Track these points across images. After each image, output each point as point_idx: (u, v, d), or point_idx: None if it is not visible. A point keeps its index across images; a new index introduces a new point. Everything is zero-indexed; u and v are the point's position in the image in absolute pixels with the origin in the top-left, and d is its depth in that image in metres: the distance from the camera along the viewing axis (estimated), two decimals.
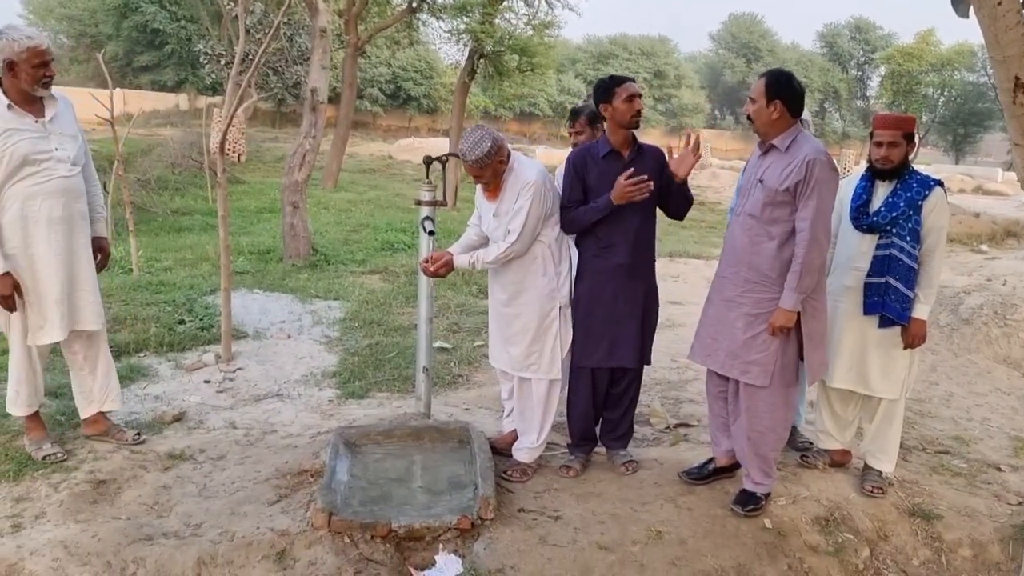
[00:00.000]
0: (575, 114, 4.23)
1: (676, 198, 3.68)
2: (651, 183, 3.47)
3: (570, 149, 4.16)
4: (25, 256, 3.49)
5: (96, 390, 3.86)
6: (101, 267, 3.94)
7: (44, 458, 3.64)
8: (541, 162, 3.71)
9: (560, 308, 3.65)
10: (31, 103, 3.48)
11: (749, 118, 3.39)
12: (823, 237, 3.25)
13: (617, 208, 3.51)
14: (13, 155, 3.38)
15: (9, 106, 3.41)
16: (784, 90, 3.27)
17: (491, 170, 3.48)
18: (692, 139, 3.57)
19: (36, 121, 3.48)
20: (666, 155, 3.68)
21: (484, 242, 3.74)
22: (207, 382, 5.02)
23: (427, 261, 3.70)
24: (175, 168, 15.52)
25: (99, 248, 3.89)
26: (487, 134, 3.43)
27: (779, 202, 3.26)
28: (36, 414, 3.76)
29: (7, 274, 3.43)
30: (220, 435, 4.16)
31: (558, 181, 3.79)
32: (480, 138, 3.41)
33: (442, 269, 3.67)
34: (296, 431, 4.25)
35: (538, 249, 3.59)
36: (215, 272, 7.36)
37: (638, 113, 3.56)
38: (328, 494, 3.26)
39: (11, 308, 3.48)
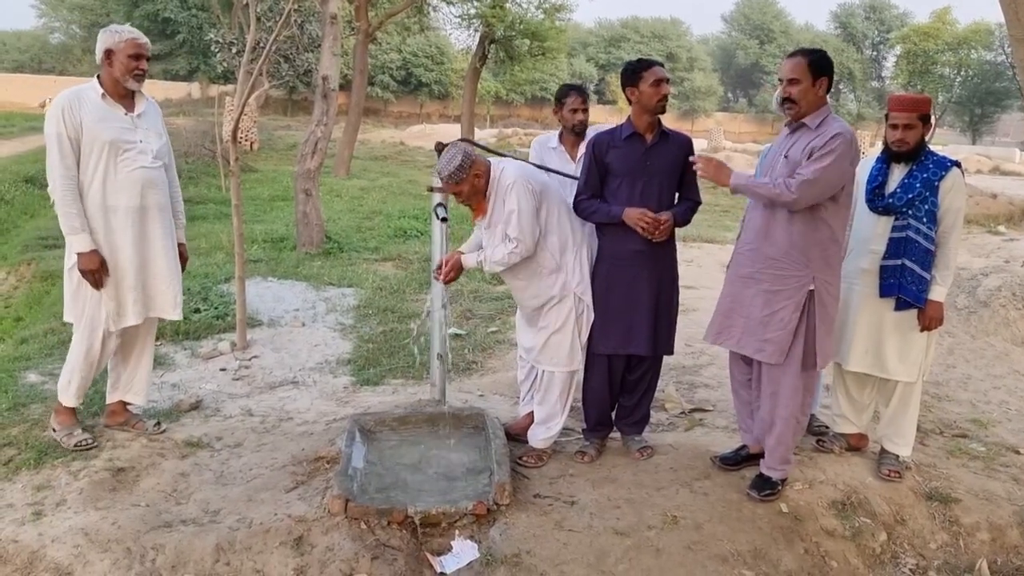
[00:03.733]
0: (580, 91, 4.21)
1: (688, 194, 3.70)
2: (664, 229, 3.51)
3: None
4: (105, 243, 3.61)
5: (123, 378, 3.91)
6: None
7: (76, 444, 3.67)
8: (517, 162, 3.67)
9: (577, 298, 3.63)
10: (123, 96, 3.65)
11: (790, 100, 3.30)
12: (808, 192, 3.16)
13: (636, 193, 3.51)
14: (100, 140, 3.53)
15: (103, 95, 3.58)
16: (828, 67, 3.29)
17: (468, 185, 3.47)
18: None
19: (126, 114, 3.66)
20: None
21: None
22: (223, 370, 5.05)
23: (439, 268, 3.70)
24: (188, 157, 15.56)
25: (178, 254, 3.96)
26: (459, 150, 3.44)
27: None
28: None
29: (94, 251, 3.55)
30: (236, 422, 4.19)
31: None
32: (453, 155, 3.43)
33: (452, 273, 3.67)
34: (312, 418, 4.27)
35: (536, 253, 3.58)
36: (229, 261, 7.39)
37: (664, 98, 3.53)
38: (344, 481, 3.28)
39: (98, 284, 3.58)
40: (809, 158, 3.21)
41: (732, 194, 3.36)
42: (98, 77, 3.63)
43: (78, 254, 3.54)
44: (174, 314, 3.87)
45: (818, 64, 3.26)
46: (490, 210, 3.56)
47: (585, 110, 4.14)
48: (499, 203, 3.51)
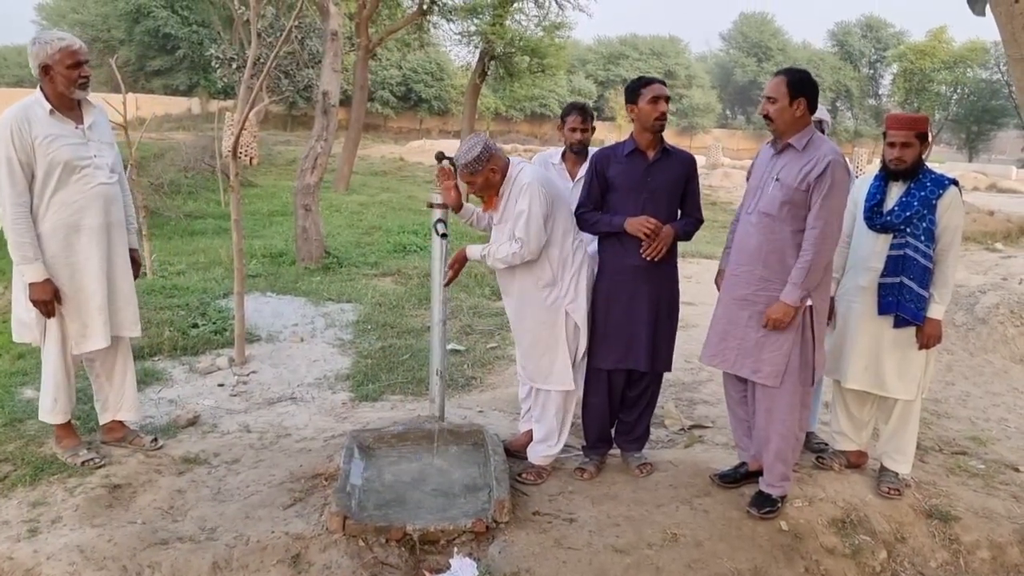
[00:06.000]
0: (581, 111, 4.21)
1: (689, 211, 3.72)
2: (663, 241, 3.52)
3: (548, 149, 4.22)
4: (66, 264, 3.51)
5: (111, 398, 3.88)
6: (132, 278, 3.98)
7: (83, 464, 3.64)
8: (536, 167, 3.71)
9: (568, 314, 3.63)
10: (71, 108, 3.51)
11: (768, 117, 3.35)
12: (833, 237, 3.27)
13: (637, 210, 3.53)
14: (55, 160, 3.40)
15: (51, 111, 3.44)
16: (807, 87, 3.29)
17: (482, 178, 3.50)
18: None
19: (76, 127, 3.51)
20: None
21: None
22: (221, 385, 5.04)
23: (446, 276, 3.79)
24: (188, 172, 15.59)
25: (132, 260, 3.90)
26: (480, 141, 3.46)
27: (798, 202, 3.26)
28: (68, 421, 3.78)
29: (47, 280, 3.45)
30: (234, 439, 4.17)
31: None
32: (473, 144, 3.45)
33: (456, 265, 3.73)
34: (310, 434, 4.25)
35: (535, 261, 3.58)
36: (228, 275, 7.39)
37: (662, 116, 3.55)
38: (343, 497, 3.27)
39: (50, 314, 3.50)
40: (804, 184, 3.23)
41: (796, 302, 3.26)
42: (41, 89, 3.44)
43: (30, 284, 3.42)
44: (135, 331, 3.81)
45: (797, 84, 3.27)
46: (503, 207, 3.59)
47: (585, 130, 4.13)
48: (512, 201, 3.54)
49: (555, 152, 4.34)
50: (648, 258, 3.54)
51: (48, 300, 3.45)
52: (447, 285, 3.82)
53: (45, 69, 3.40)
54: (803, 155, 3.28)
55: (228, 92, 29.72)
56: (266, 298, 7.13)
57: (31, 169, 3.40)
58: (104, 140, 3.64)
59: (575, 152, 4.17)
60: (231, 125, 17.86)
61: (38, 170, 3.40)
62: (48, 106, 3.43)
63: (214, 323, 6.12)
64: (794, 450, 3.50)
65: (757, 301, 3.39)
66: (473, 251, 3.69)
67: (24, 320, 3.59)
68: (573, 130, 4.12)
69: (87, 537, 3.10)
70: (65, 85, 3.41)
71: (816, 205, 3.21)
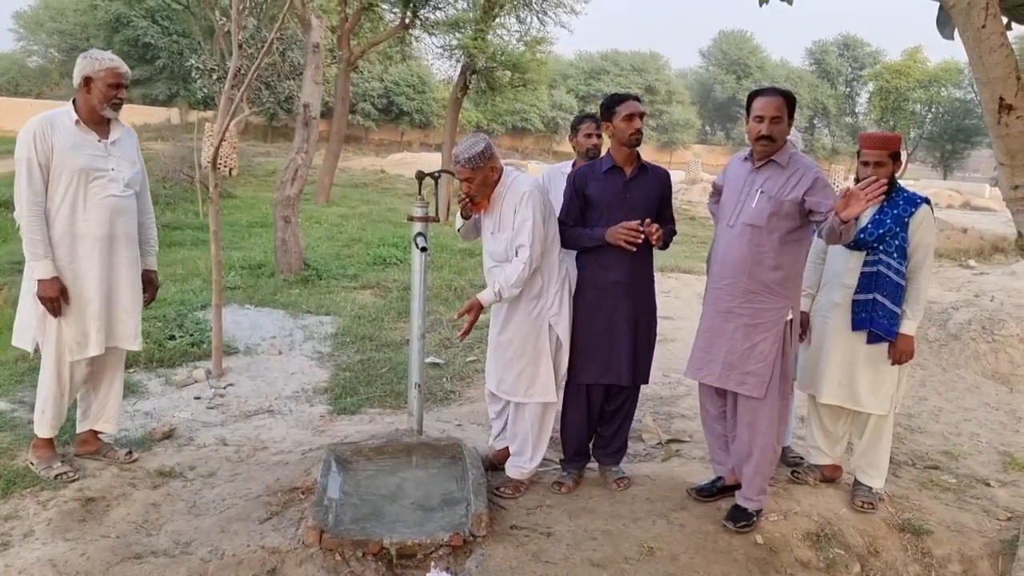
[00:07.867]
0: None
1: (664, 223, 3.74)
2: (639, 239, 3.51)
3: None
4: (69, 270, 3.56)
5: (94, 406, 3.86)
6: (149, 301, 4.00)
7: (56, 477, 3.61)
8: (532, 176, 3.77)
9: (551, 327, 3.65)
10: (98, 123, 3.63)
11: (770, 137, 3.33)
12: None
13: (616, 225, 3.56)
14: (70, 167, 3.50)
15: (77, 122, 3.55)
16: (794, 109, 3.42)
17: (481, 175, 3.52)
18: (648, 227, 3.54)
19: (99, 141, 3.62)
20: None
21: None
22: (197, 398, 5.00)
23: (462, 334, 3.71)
24: (166, 182, 15.51)
25: (148, 281, 3.92)
26: (482, 139, 3.52)
27: (786, 213, 3.33)
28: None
29: (55, 278, 3.50)
30: (210, 452, 4.14)
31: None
32: (475, 141, 3.50)
33: (472, 316, 3.61)
34: (287, 447, 4.23)
35: None
36: (206, 287, 7.35)
37: (638, 132, 3.60)
38: (319, 511, 3.25)
39: (57, 313, 3.53)
40: (793, 196, 3.31)
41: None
42: (73, 102, 3.60)
43: (39, 281, 3.48)
44: (134, 344, 3.83)
45: (792, 104, 3.40)
46: (498, 213, 3.60)
47: (599, 135, 4.25)
48: (509, 209, 3.56)
49: (566, 164, 4.43)
50: (651, 244, 3.56)
51: (55, 297, 3.50)
52: (462, 337, 3.74)
53: (87, 80, 3.55)
54: (787, 169, 3.37)
55: (208, 103, 29.59)
56: (244, 310, 7.09)
57: (48, 172, 3.51)
58: (126, 157, 3.73)
59: (589, 158, 4.24)
60: (211, 135, 17.83)
61: (53, 174, 3.51)
62: (75, 117, 3.56)
63: (191, 335, 6.08)
64: (772, 463, 3.54)
65: (742, 313, 3.43)
66: (487, 296, 3.57)
67: (26, 323, 3.62)
68: (588, 136, 4.28)
69: (60, 551, 3.06)
70: (100, 100, 3.56)
71: (823, 204, 3.28)
